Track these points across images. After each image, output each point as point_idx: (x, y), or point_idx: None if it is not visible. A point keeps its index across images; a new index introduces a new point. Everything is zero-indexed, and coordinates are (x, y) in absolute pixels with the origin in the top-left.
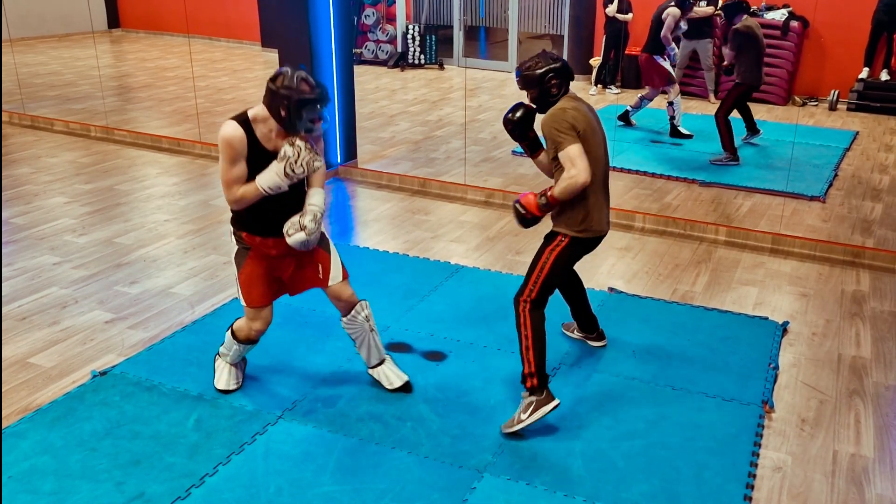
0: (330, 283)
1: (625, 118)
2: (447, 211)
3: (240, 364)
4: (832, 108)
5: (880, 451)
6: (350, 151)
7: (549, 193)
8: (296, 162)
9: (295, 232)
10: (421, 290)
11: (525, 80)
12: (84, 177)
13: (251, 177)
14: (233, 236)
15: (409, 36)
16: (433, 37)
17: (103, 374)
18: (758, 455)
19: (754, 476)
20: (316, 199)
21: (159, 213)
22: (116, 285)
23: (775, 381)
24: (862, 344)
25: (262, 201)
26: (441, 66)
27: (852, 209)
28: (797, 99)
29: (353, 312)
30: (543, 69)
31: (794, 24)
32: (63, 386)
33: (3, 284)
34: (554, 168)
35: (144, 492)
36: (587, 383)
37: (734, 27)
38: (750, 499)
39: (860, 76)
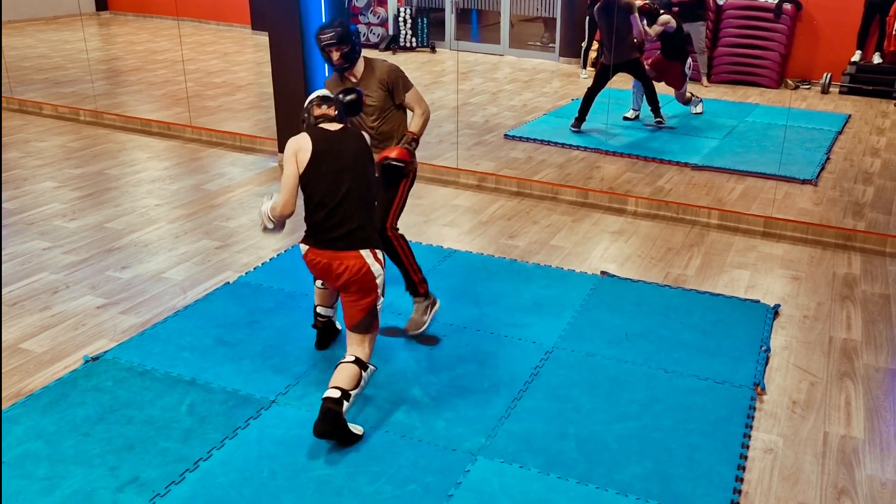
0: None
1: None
2: (440, 195)
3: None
4: (824, 91)
5: (870, 433)
6: None
7: (410, 137)
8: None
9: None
10: None
11: (340, 37)
12: (74, 161)
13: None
14: (382, 254)
15: (401, 19)
16: (425, 19)
17: (95, 359)
18: (749, 437)
19: (746, 458)
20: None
21: (150, 198)
22: (108, 270)
23: (767, 364)
24: (853, 326)
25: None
26: (433, 50)
27: (844, 192)
28: (789, 82)
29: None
30: (344, 27)
31: (787, 6)
32: (55, 371)
33: None
34: (385, 112)
35: (138, 476)
36: (580, 366)
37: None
38: (741, 480)
39: (852, 59)
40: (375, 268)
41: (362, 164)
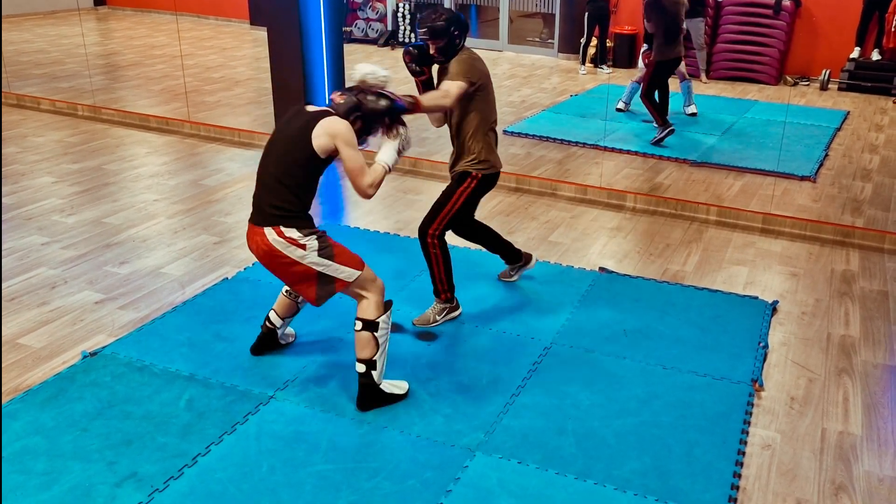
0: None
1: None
2: (438, 191)
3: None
4: (823, 87)
5: (868, 429)
6: None
7: (418, 96)
8: (405, 139)
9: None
10: (412, 270)
11: (434, 31)
12: (72, 156)
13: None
14: (306, 239)
15: (400, 14)
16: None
17: (94, 354)
18: (747, 433)
19: (744, 454)
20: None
21: (149, 193)
22: (106, 266)
23: (765, 360)
24: (851, 323)
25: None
26: None
27: (842, 189)
28: (788, 79)
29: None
30: (447, 20)
31: (786, 3)
32: (53, 366)
33: None
34: (456, 112)
35: (137, 471)
36: (578, 362)
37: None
38: (739, 476)
39: (851, 56)
40: (279, 244)
41: (292, 144)
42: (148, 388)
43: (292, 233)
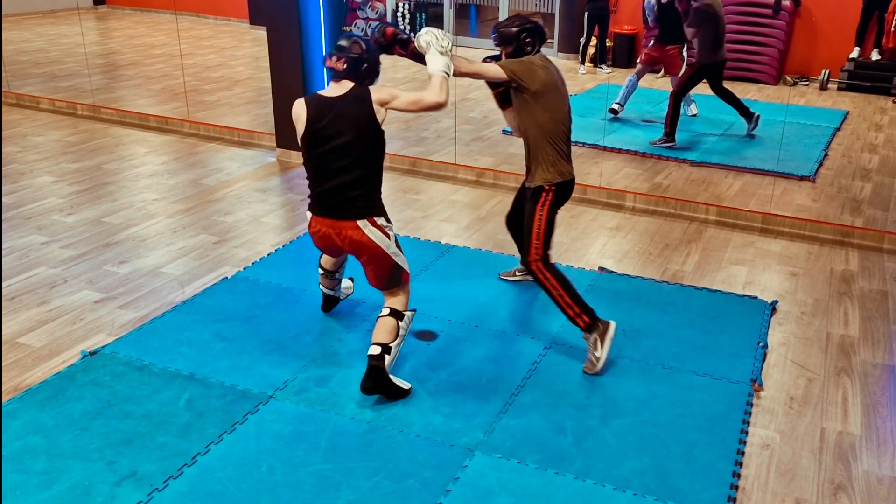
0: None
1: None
2: (438, 190)
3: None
4: (823, 87)
5: (867, 429)
6: None
7: (459, 62)
8: (439, 38)
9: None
10: (412, 269)
11: (502, 37)
12: (71, 156)
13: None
14: (388, 224)
15: (399, 13)
16: (423, 14)
17: (93, 353)
18: (746, 433)
19: (743, 453)
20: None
21: (148, 193)
22: (105, 265)
23: (764, 360)
24: (850, 323)
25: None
26: None
27: (842, 189)
28: (788, 78)
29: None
30: (519, 27)
31: (786, 2)
32: (53, 366)
33: None
34: (516, 104)
35: (136, 471)
36: (578, 362)
37: (694, 4)
38: (738, 475)
39: (851, 56)
40: (376, 236)
41: (361, 130)
42: (147, 388)
43: (382, 221)
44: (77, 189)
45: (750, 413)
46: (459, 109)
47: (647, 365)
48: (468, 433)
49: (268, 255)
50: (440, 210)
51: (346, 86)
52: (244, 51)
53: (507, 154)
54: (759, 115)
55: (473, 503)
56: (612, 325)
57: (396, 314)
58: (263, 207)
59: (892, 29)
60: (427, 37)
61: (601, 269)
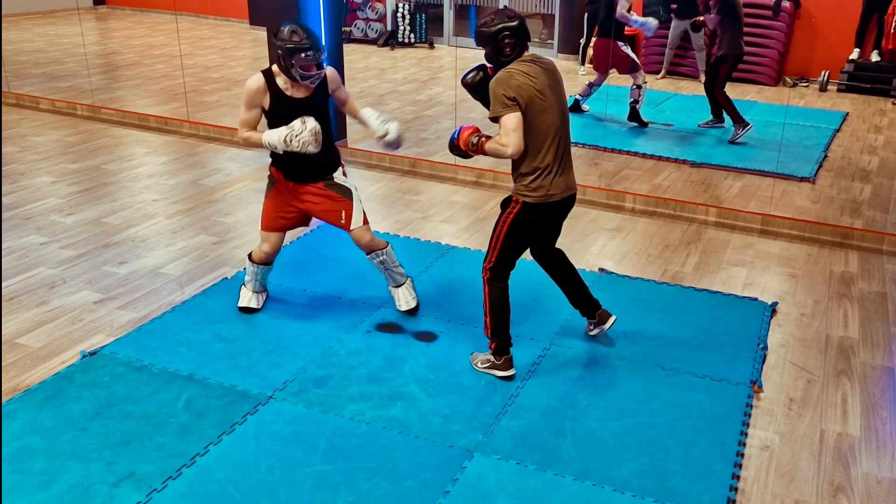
0: (352, 228)
1: (575, 107)
2: (437, 191)
3: (261, 293)
4: (822, 88)
5: (866, 431)
6: (339, 131)
7: (482, 140)
8: (295, 136)
9: (386, 135)
10: (411, 270)
11: (480, 37)
12: (71, 156)
13: (273, 120)
14: (269, 168)
15: (399, 14)
16: (423, 15)
17: (93, 354)
18: (746, 434)
19: (742, 455)
20: (371, 116)
21: (148, 193)
22: (105, 265)
23: (764, 361)
24: (850, 324)
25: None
26: (431, 45)
27: (841, 190)
28: (788, 80)
29: (371, 255)
30: (498, 27)
31: (786, 3)
32: (52, 366)
33: None
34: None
35: (135, 471)
36: (577, 363)
37: None
38: (738, 477)
39: (851, 57)
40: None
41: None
42: (147, 388)
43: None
44: (76, 189)
45: (749, 414)
46: (459, 110)
47: (647, 366)
48: (467, 434)
49: None
50: (440, 211)
51: None
52: (244, 51)
53: None
54: (751, 125)
55: None
56: (508, 373)
57: (250, 255)
58: None
59: (892, 30)
60: (300, 125)
61: (601, 270)
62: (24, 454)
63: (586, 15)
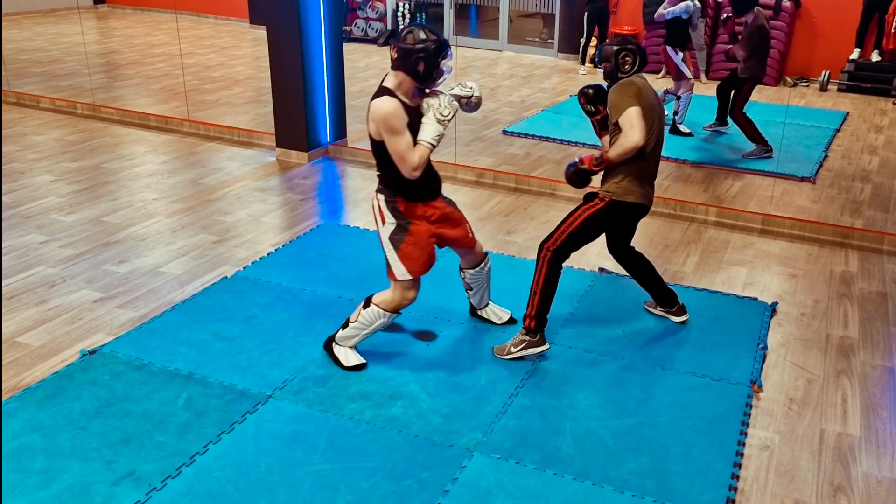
0: (476, 243)
1: (675, 130)
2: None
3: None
4: (823, 88)
5: (866, 430)
6: (340, 130)
7: (604, 152)
8: (441, 106)
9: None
10: None
11: (601, 54)
12: (71, 155)
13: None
14: (388, 214)
15: (400, 13)
16: (423, 14)
17: (92, 353)
18: (746, 434)
19: (742, 455)
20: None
21: (148, 192)
22: (105, 264)
23: (764, 361)
24: (850, 324)
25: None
26: None
27: (842, 190)
28: (788, 79)
29: (481, 265)
30: (619, 47)
31: (786, 3)
32: (52, 365)
33: None
34: (612, 134)
35: (135, 470)
36: (577, 363)
37: (752, 26)
38: (737, 477)
39: (851, 57)
40: (375, 210)
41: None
42: (146, 387)
43: (383, 204)
44: (76, 188)
45: (749, 414)
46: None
47: (647, 366)
48: (467, 434)
49: (267, 254)
50: None
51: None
52: (244, 50)
53: (507, 154)
54: (770, 151)
55: None
56: (544, 347)
57: (367, 301)
58: (263, 207)
59: (893, 30)
60: (434, 100)
61: (601, 269)
62: (24, 453)
63: (586, 15)
